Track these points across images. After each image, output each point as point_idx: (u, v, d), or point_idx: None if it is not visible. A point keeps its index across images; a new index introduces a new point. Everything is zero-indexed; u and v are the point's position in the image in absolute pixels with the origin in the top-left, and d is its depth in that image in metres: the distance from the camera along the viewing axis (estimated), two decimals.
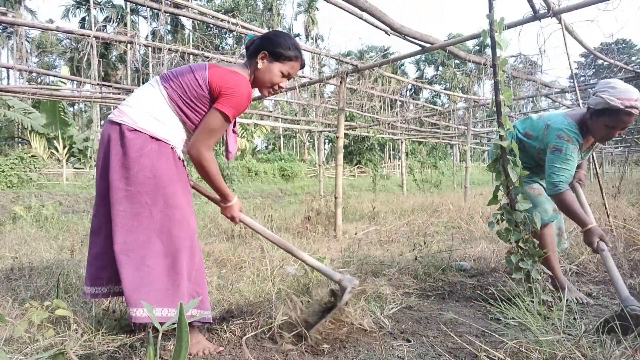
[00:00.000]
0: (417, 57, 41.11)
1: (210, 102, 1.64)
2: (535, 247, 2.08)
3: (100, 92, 6.45)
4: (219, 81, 1.60)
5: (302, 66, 1.81)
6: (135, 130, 1.56)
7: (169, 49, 4.59)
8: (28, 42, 36.82)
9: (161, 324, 1.10)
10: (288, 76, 1.76)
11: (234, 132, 1.83)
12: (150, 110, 1.59)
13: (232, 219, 1.82)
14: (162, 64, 4.73)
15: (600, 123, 2.12)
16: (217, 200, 1.84)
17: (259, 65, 1.70)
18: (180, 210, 1.61)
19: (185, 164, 1.71)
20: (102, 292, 1.73)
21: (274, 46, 1.69)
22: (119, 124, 1.57)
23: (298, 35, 45.53)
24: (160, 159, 1.58)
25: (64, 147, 21.16)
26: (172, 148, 1.62)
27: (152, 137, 1.57)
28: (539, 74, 6.28)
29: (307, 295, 2.27)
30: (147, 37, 30.86)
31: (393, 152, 42.04)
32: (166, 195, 1.58)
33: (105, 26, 33.32)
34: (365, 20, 3.51)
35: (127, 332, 1.86)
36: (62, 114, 19.97)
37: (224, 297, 2.37)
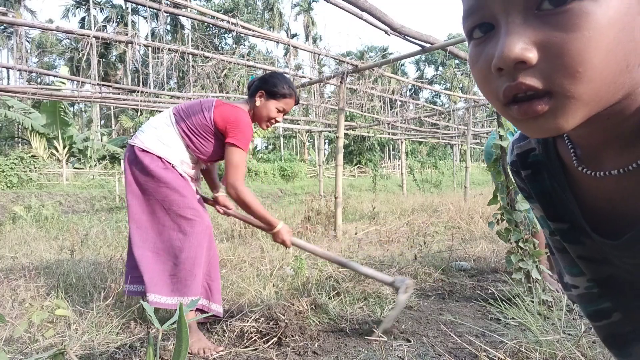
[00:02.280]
0: (417, 57, 41.11)
1: (214, 133, 1.88)
2: (536, 247, 2.08)
3: (99, 92, 6.45)
4: (221, 116, 1.84)
5: (297, 102, 2.03)
6: (144, 150, 1.81)
7: (169, 49, 4.59)
8: (28, 42, 36.83)
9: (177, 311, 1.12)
10: (283, 111, 1.99)
11: None
12: (157, 132, 1.85)
13: (284, 243, 1.97)
14: (162, 64, 4.73)
15: None
16: (267, 229, 1.99)
17: (257, 103, 1.95)
18: (192, 210, 1.80)
19: (190, 180, 1.91)
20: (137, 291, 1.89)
21: (269, 86, 1.94)
22: (132, 145, 1.86)
23: (296, 35, 45.54)
24: (167, 172, 1.81)
25: (64, 147, 21.16)
26: (173, 166, 1.84)
27: (157, 156, 1.81)
28: None
29: (307, 295, 2.27)
30: (146, 37, 30.88)
31: (393, 152, 42.05)
32: (177, 199, 1.79)
33: (105, 26, 33.32)
34: (365, 20, 3.51)
35: (127, 332, 1.86)
36: (62, 114, 19.97)
37: (224, 297, 2.37)
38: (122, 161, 1.93)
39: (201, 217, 1.82)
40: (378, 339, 1.68)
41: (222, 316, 1.99)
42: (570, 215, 0.54)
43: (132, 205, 1.81)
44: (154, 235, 1.79)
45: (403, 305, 1.89)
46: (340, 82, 5.07)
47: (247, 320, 1.86)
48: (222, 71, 5.36)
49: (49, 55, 37.15)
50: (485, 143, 2.86)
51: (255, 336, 1.78)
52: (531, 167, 0.58)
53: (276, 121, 1.99)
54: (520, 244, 2.08)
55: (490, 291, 2.40)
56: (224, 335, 1.80)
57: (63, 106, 19.70)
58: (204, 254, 1.81)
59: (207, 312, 1.79)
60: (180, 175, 1.84)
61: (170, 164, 1.82)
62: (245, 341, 1.75)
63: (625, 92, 0.39)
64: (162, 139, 1.84)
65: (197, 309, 1.87)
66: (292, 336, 1.77)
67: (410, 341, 1.75)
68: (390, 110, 10.21)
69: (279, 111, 1.97)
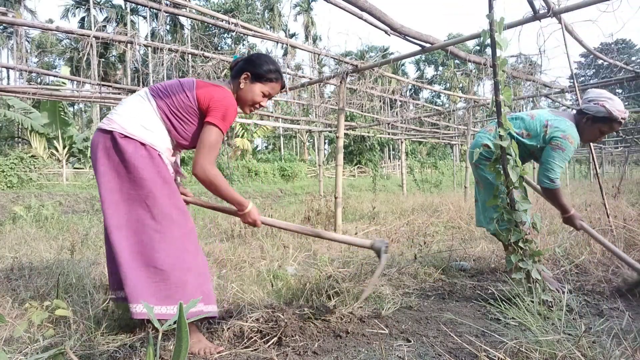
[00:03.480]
0: (417, 57, 41.09)
1: (198, 115, 1.74)
2: (536, 247, 2.08)
3: (99, 92, 6.45)
4: (206, 95, 1.70)
5: (283, 87, 1.92)
6: (126, 136, 1.63)
7: (169, 49, 4.59)
8: (28, 42, 36.82)
9: (166, 321, 1.11)
10: (268, 96, 1.88)
11: None
12: (138, 118, 1.67)
13: (254, 223, 1.87)
14: (162, 64, 4.73)
15: (595, 128, 2.45)
16: (232, 211, 1.90)
17: (242, 85, 1.83)
18: (177, 210, 1.69)
19: (170, 169, 1.76)
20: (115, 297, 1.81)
21: (255, 68, 1.81)
22: (110, 132, 1.64)
23: (294, 35, 45.51)
24: (152, 164, 1.65)
25: (64, 147, 21.16)
26: (159, 154, 1.69)
27: (141, 143, 1.64)
28: (539, 74, 6.28)
29: (307, 295, 2.27)
30: (146, 37, 30.87)
31: (393, 152, 42.03)
32: (163, 197, 1.65)
33: (104, 26, 33.29)
34: (365, 20, 3.51)
35: (127, 332, 1.86)
36: (62, 114, 19.97)
37: (224, 297, 2.37)
38: (91, 149, 1.71)
39: (186, 218, 1.70)
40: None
41: (222, 317, 1.99)
42: None
43: (109, 203, 1.60)
44: (134, 236, 1.61)
45: (384, 266, 1.97)
46: (340, 82, 5.07)
47: (247, 320, 1.86)
48: (222, 71, 5.36)
49: (49, 55, 37.14)
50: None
51: (255, 336, 1.77)
52: None
53: (260, 106, 1.88)
54: (520, 244, 2.08)
55: (490, 291, 2.40)
56: (224, 336, 1.80)
57: (63, 106, 19.71)
58: (192, 256, 1.67)
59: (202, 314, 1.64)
60: (165, 166, 1.70)
61: (156, 151, 1.67)
62: (245, 341, 1.75)
63: None
64: (144, 123, 1.66)
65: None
66: (292, 336, 1.77)
67: (410, 341, 1.75)
68: (390, 110, 10.21)
69: (264, 95, 1.85)
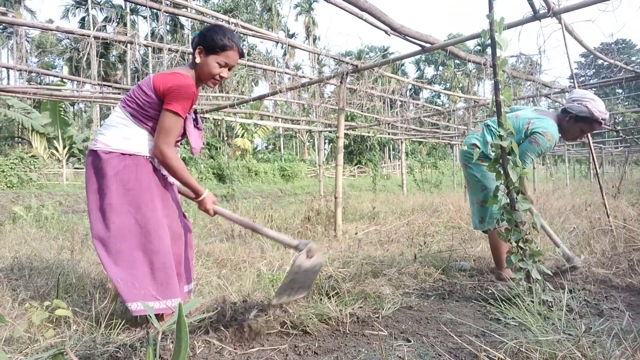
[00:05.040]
0: (417, 57, 41.07)
1: (160, 106, 1.81)
2: (537, 247, 2.08)
3: (100, 92, 6.45)
4: (161, 83, 1.77)
5: (241, 54, 1.90)
6: (109, 152, 1.78)
7: (169, 49, 4.59)
8: (28, 42, 36.82)
9: (158, 318, 1.14)
10: (226, 66, 1.86)
11: (197, 128, 1.98)
12: (117, 132, 1.80)
13: (207, 211, 1.94)
14: (162, 64, 4.73)
15: (576, 127, 2.57)
16: (193, 197, 1.96)
17: (197, 60, 1.84)
18: (158, 213, 1.83)
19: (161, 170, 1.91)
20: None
21: (206, 41, 1.82)
22: (95, 151, 1.80)
23: (294, 35, 45.48)
24: (136, 171, 1.79)
25: (64, 147, 21.16)
26: (145, 157, 1.83)
27: (123, 153, 1.78)
28: (539, 74, 6.28)
29: (306, 295, 2.27)
30: (146, 36, 30.87)
31: (393, 152, 42.04)
32: (145, 202, 1.80)
33: (105, 26, 33.30)
34: (365, 20, 3.51)
35: (127, 332, 1.86)
36: (63, 114, 19.97)
37: (224, 297, 2.36)
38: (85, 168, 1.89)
39: (163, 222, 1.84)
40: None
41: (223, 315, 1.99)
42: None
43: (95, 214, 1.80)
44: (122, 242, 1.77)
45: (302, 270, 1.81)
46: (340, 82, 5.07)
47: (247, 320, 1.86)
48: None
49: (49, 55, 37.14)
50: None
51: (255, 336, 1.77)
52: None
53: (221, 77, 1.88)
54: (520, 244, 2.08)
55: (490, 291, 2.40)
56: (224, 335, 1.80)
57: (63, 106, 19.71)
58: (172, 252, 1.87)
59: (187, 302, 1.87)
60: (151, 170, 1.83)
61: (141, 156, 1.81)
62: (244, 341, 1.75)
63: None
64: (123, 134, 1.80)
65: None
66: (292, 336, 1.77)
67: (410, 341, 1.75)
68: (390, 110, 10.20)
69: (220, 66, 1.84)
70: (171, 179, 1.97)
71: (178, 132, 1.80)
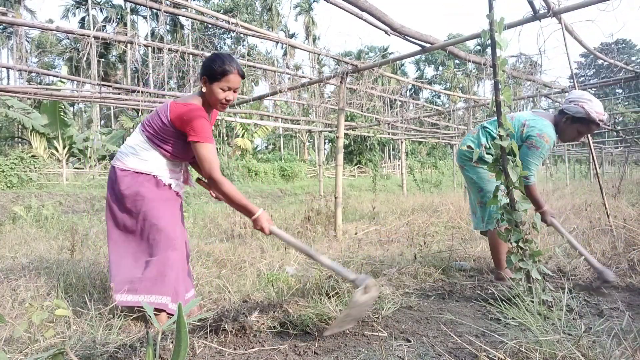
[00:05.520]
0: (417, 57, 41.06)
1: (181, 133, 1.97)
2: (536, 247, 2.08)
3: (100, 92, 6.45)
4: (177, 118, 1.93)
5: (242, 76, 2.01)
6: (125, 170, 1.99)
7: (169, 49, 4.59)
8: (28, 42, 36.81)
9: (156, 312, 1.16)
10: (230, 89, 1.98)
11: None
12: (135, 152, 2.01)
13: (262, 230, 1.96)
14: (162, 64, 4.72)
15: (573, 128, 2.54)
16: (248, 215, 2.02)
17: (204, 90, 2.00)
18: (164, 219, 1.99)
19: (171, 187, 2.08)
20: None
21: (207, 70, 1.96)
22: (114, 167, 2.04)
23: (293, 35, 45.48)
24: (144, 186, 1.98)
25: (64, 147, 21.16)
26: (154, 177, 2.01)
27: (136, 172, 1.98)
28: (539, 74, 6.28)
29: (307, 295, 2.27)
30: (146, 37, 30.86)
31: (393, 152, 42.03)
32: (150, 210, 1.97)
33: (104, 26, 33.29)
34: (365, 20, 3.51)
35: (127, 332, 1.86)
36: (62, 114, 19.96)
37: (225, 297, 2.37)
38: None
39: (170, 227, 1.99)
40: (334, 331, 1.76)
41: (224, 314, 1.99)
42: None
43: (111, 225, 2.04)
44: (128, 247, 2.02)
45: (358, 305, 1.80)
46: (340, 82, 5.07)
47: (247, 320, 1.86)
48: None
49: (49, 55, 37.14)
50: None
51: (255, 336, 1.77)
52: None
53: (227, 100, 1.99)
54: (520, 244, 2.08)
55: (490, 291, 2.40)
56: (224, 336, 1.80)
57: (63, 106, 19.70)
58: (177, 257, 1.99)
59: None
60: (158, 187, 2.01)
61: (151, 176, 2.00)
62: (245, 341, 1.75)
63: None
64: (139, 155, 2.00)
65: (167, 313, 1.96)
66: (292, 336, 1.77)
67: (410, 341, 1.75)
68: (390, 110, 10.20)
69: (224, 91, 1.96)
70: (179, 190, 2.13)
71: (214, 156, 1.93)
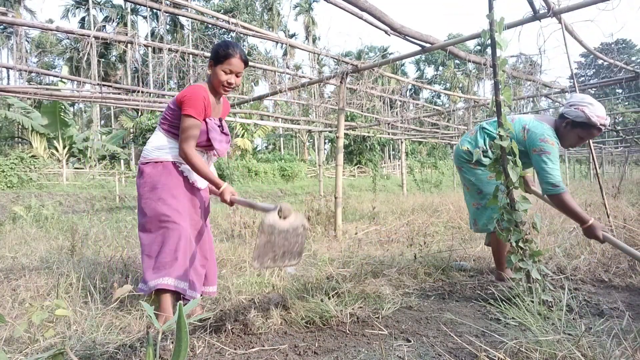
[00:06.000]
0: (417, 57, 41.05)
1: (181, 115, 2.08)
2: (536, 247, 2.08)
3: (100, 92, 6.45)
4: (179, 96, 2.05)
5: (244, 61, 2.11)
6: (147, 162, 2.10)
7: (169, 49, 4.59)
8: (28, 42, 36.82)
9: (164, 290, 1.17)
10: (232, 72, 2.08)
11: (224, 134, 2.21)
12: (154, 144, 2.12)
13: (225, 201, 2.09)
14: (162, 64, 4.72)
15: (574, 133, 2.41)
16: (216, 192, 2.16)
17: (208, 72, 2.14)
18: (175, 203, 2.06)
19: (184, 174, 2.13)
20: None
21: (213, 54, 2.09)
22: (138, 165, 2.17)
23: (293, 35, 45.47)
24: (162, 174, 2.07)
25: (64, 147, 21.16)
26: (173, 163, 2.09)
27: (156, 162, 2.08)
28: (539, 74, 6.28)
29: (307, 295, 2.27)
30: (146, 37, 30.86)
31: (393, 152, 42.04)
32: (165, 195, 2.04)
33: (104, 26, 33.30)
34: (365, 20, 3.51)
35: (127, 332, 1.86)
36: (62, 114, 19.96)
37: (225, 297, 2.37)
38: None
39: (179, 211, 2.03)
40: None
41: (225, 314, 1.99)
42: None
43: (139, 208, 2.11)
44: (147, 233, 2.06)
45: (278, 231, 1.76)
46: (340, 82, 5.07)
47: (247, 320, 1.86)
48: None
49: (49, 55, 37.14)
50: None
51: (255, 336, 1.77)
52: None
53: (229, 83, 2.09)
54: (520, 244, 2.08)
55: (490, 291, 2.40)
56: (224, 335, 1.80)
57: (63, 106, 19.70)
58: (188, 242, 2.03)
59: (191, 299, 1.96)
60: (176, 173, 2.08)
61: (170, 161, 2.07)
62: (245, 341, 1.75)
63: None
64: (158, 145, 2.10)
65: (184, 298, 2.02)
66: (292, 336, 1.77)
67: (410, 341, 1.75)
68: (390, 110, 10.20)
69: (226, 73, 2.07)
70: (198, 184, 2.19)
71: (196, 132, 2.01)
